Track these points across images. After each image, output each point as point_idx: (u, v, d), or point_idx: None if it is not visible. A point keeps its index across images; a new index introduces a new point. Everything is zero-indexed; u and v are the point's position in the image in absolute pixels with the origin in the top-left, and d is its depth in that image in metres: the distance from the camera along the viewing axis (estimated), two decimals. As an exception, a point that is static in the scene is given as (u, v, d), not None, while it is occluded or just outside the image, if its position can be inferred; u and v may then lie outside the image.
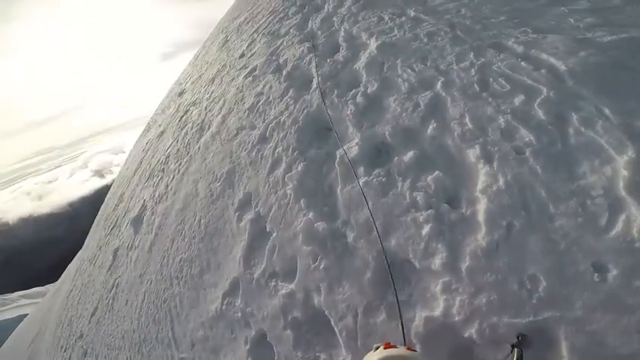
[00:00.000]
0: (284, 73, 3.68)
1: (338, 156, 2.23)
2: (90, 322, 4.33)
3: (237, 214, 2.63)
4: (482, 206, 1.59)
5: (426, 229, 1.66)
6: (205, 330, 2.49)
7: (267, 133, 2.97)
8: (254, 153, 2.92)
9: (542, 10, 2.63)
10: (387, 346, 0.84)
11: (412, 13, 3.31)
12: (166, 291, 2.99)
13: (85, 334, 4.33)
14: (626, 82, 1.64)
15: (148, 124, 8.65)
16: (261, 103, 3.49)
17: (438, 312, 1.49)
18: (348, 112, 2.41)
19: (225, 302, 2.41)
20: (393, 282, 1.51)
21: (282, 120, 2.94)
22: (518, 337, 1.24)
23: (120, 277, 3.99)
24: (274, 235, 2.26)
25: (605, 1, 2.43)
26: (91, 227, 7.38)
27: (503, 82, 1.95)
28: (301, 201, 2.18)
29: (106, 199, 7.18)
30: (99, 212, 7.21)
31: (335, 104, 2.61)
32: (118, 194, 6.13)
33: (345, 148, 2.23)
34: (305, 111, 2.81)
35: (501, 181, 1.59)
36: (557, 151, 1.55)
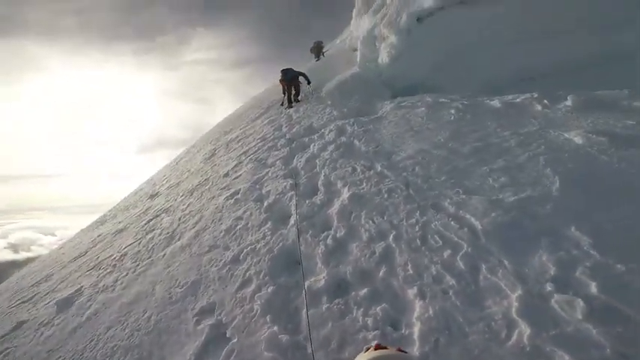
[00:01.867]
0: (265, 204, 4.38)
1: (307, 285, 2.73)
2: None
3: (195, 318, 2.87)
4: (417, 328, 2.12)
5: (373, 343, 2.00)
6: None
7: (241, 256, 3.48)
8: (224, 271, 3.35)
9: (472, 169, 3.64)
10: (378, 347, 0.90)
11: (379, 168, 4.30)
12: None
13: None
14: (519, 239, 2.52)
15: (104, 216, 8.59)
16: (239, 227, 4.08)
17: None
18: (319, 251, 3.14)
19: None
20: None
21: (257, 247, 3.53)
22: None
23: (16, 347, 3.63)
24: (234, 340, 2.48)
25: (514, 158, 3.58)
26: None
27: (438, 238, 2.82)
28: (267, 316, 2.57)
29: (21, 272, 6.23)
30: (3, 284, 6.09)
31: (309, 242, 3.35)
32: (43, 273, 5.67)
33: (312, 280, 2.77)
34: (281, 244, 3.46)
35: (431, 311, 2.19)
36: (471, 291, 2.27)
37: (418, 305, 2.27)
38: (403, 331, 2.10)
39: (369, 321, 2.24)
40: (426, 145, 4.56)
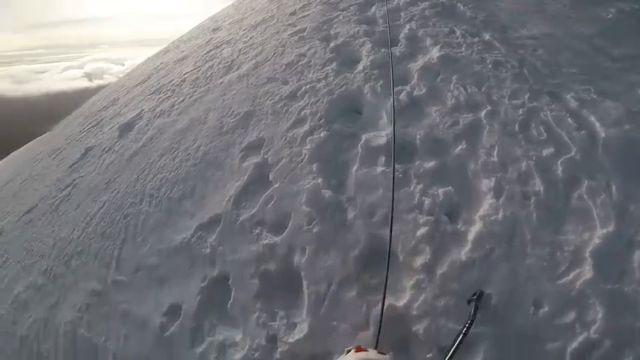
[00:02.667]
0: (332, 45, 3.92)
1: (363, 139, 2.48)
2: (20, 220, 4.23)
3: (242, 153, 2.96)
4: (475, 228, 2.02)
5: (421, 231, 2.03)
6: (160, 258, 2.63)
7: (299, 93, 3.27)
8: (279, 105, 3.22)
9: (617, 73, 3.00)
10: (358, 349, 0.93)
11: (487, 37, 3.59)
12: (132, 206, 3.13)
13: (6, 233, 4.22)
14: None
15: (167, 47, 8.81)
16: (301, 63, 3.77)
17: (401, 303, 1.90)
18: (387, 105, 2.71)
19: (196, 235, 2.62)
20: (386, 283, 1.78)
21: (317, 87, 3.26)
22: (474, 294, 1.66)
23: (82, 177, 4.08)
24: (276, 185, 2.60)
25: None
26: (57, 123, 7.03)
27: (543, 130, 2.37)
28: (314, 165, 2.52)
29: (92, 99, 6.93)
30: (78, 109, 6.90)
31: (377, 92, 2.97)
32: (110, 98, 6.34)
33: (371, 134, 2.49)
34: (344, 87, 3.15)
35: (500, 215, 2.02)
36: (556, 208, 2.03)
37: (488, 202, 2.12)
38: (459, 226, 2.06)
39: (426, 202, 2.17)
40: (560, 31, 3.67)
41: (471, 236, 1.98)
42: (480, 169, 2.24)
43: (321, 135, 2.66)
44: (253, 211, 2.45)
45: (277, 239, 2.27)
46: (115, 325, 2.39)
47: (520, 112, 2.49)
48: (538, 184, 2.09)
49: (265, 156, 2.74)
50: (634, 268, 1.74)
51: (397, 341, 1.78)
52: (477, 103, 2.63)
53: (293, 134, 2.78)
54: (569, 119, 2.39)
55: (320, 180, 2.39)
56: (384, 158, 2.42)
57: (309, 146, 2.62)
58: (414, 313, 1.80)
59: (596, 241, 1.83)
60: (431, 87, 2.89)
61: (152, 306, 2.32)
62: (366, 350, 0.95)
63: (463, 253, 1.93)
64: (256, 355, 1.97)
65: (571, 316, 1.66)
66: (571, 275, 1.77)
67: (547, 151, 2.23)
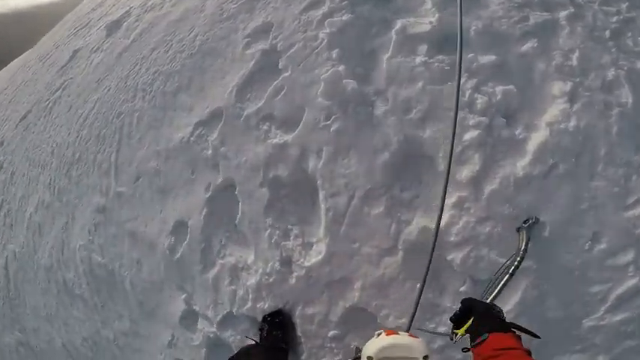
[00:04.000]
0: None
1: (399, 24, 1.92)
2: (17, 127, 3.98)
3: (246, 40, 2.30)
4: (539, 136, 1.63)
5: (470, 134, 1.60)
6: (159, 162, 2.32)
7: None
8: None
9: None
10: (389, 332, 0.88)
11: None
12: (125, 103, 2.72)
13: (7, 141, 4.02)
14: None
15: None
16: None
17: (434, 225, 1.51)
18: None
19: (196, 133, 2.24)
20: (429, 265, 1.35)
21: None
22: (526, 221, 1.41)
23: (72, 79, 3.64)
24: (287, 74, 2.04)
25: None
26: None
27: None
28: (335, 51, 1.97)
29: (82, 2, 6.18)
30: (68, 15, 6.21)
31: None
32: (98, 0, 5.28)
33: (410, 20, 1.92)
34: None
35: (572, 123, 1.58)
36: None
37: (559, 107, 1.63)
38: (518, 133, 1.61)
39: (479, 100, 1.66)
40: None
41: (531, 145, 1.56)
42: (553, 70, 1.70)
43: (344, 18, 2.02)
44: (260, 104, 1.99)
45: (288, 138, 1.86)
46: (126, 249, 2.27)
47: (613, 19, 1.86)
48: (626, 95, 1.61)
49: (274, 41, 2.14)
50: None
51: (423, 268, 1.44)
52: (556, 3, 1.95)
53: (308, 17, 2.12)
54: None
55: (341, 68, 1.85)
56: (425, 47, 1.82)
57: (328, 30, 2.00)
58: (452, 239, 1.50)
59: None
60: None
61: (158, 225, 2.14)
62: (397, 333, 0.88)
63: (520, 166, 1.54)
64: (271, 280, 1.77)
65: (629, 256, 1.39)
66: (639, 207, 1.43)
67: None
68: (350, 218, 1.67)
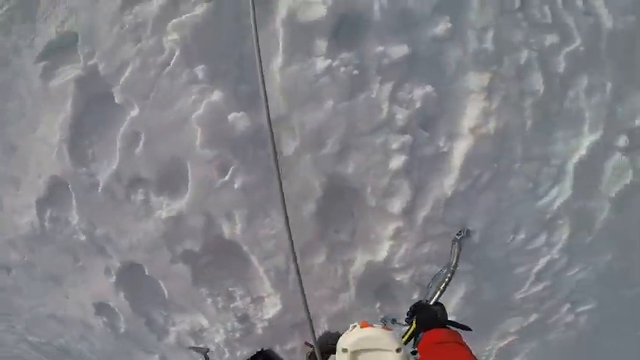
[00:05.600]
0: None
1: (285, 11, 1.32)
2: None
3: (41, 65, 1.43)
4: (464, 147, 1.46)
5: (395, 162, 1.39)
6: (23, 252, 1.80)
7: None
8: None
9: None
10: (364, 325, 0.87)
11: None
12: None
13: None
14: (634, 64, 1.54)
15: None
16: None
17: (380, 258, 1.50)
18: None
19: (46, 216, 1.63)
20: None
21: None
22: (460, 232, 1.45)
23: None
24: (135, 113, 1.37)
25: None
26: None
27: (548, 12, 1.51)
28: (199, 67, 1.31)
29: None
30: None
31: None
32: None
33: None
34: None
35: (492, 124, 1.44)
36: (551, 110, 1.47)
37: (480, 107, 1.41)
38: (442, 145, 1.41)
39: (399, 115, 1.35)
40: None
41: (456, 159, 1.42)
42: (470, 59, 1.40)
43: (197, 11, 1.28)
44: (114, 166, 1.40)
45: (179, 206, 1.41)
46: (59, 330, 2.09)
47: None
48: (537, 81, 1.44)
49: (90, 61, 1.37)
50: (603, 180, 1.53)
51: (379, 290, 1.61)
52: None
53: (135, 17, 1.33)
54: (578, 2, 1.47)
55: (218, 96, 1.30)
56: (325, 42, 1.31)
57: (176, 35, 1.29)
58: (396, 265, 1.50)
59: (582, 152, 1.48)
60: None
61: (76, 308, 1.90)
62: (371, 326, 0.89)
63: (447, 185, 1.43)
64: (237, 335, 1.70)
65: (541, 239, 1.54)
66: (551, 194, 1.51)
67: (550, 40, 1.45)
68: (294, 274, 1.43)
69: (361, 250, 1.52)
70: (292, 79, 1.35)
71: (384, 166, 1.39)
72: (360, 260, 1.52)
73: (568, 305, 1.73)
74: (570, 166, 1.49)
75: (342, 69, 1.34)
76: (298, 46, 1.35)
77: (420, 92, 1.39)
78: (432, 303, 1.18)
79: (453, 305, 1.61)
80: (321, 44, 1.34)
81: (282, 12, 1.32)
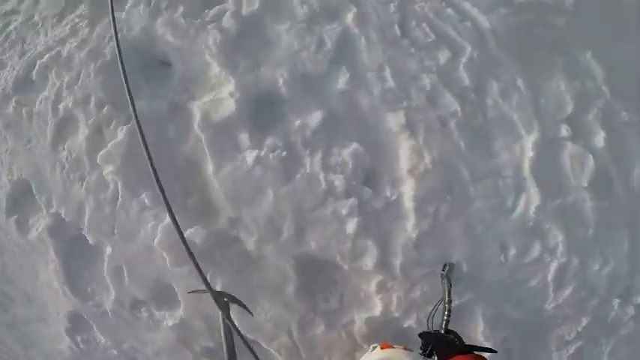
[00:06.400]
0: None
1: (199, 112, 1.39)
2: None
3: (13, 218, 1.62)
4: (408, 190, 1.46)
5: (351, 225, 1.43)
6: None
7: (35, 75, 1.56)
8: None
9: None
10: (384, 345, 0.85)
11: None
12: None
13: None
14: (533, 52, 1.54)
15: None
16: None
17: (377, 312, 1.50)
18: (210, 41, 1.41)
19: (79, 339, 1.79)
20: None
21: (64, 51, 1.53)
22: (445, 266, 1.40)
23: None
24: (109, 251, 1.54)
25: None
26: None
27: (427, 29, 1.47)
28: (142, 195, 1.46)
29: None
30: None
31: (179, 26, 1.48)
32: None
33: (204, 101, 1.38)
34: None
35: (427, 159, 1.43)
36: (478, 124, 1.46)
37: (407, 146, 1.43)
38: (389, 195, 1.43)
39: (337, 182, 1.41)
40: None
41: (407, 202, 1.42)
42: (379, 102, 1.44)
43: (123, 133, 1.43)
44: (112, 296, 1.56)
45: (180, 314, 1.54)
46: None
47: (391, 8, 1.50)
48: (451, 102, 1.45)
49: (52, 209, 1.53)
50: (568, 173, 1.46)
51: (393, 337, 1.47)
52: (337, 5, 1.52)
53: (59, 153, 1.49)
54: (448, 10, 1.50)
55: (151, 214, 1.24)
56: (246, 134, 1.41)
57: (111, 167, 1.43)
58: (396, 315, 1.49)
59: (530, 153, 1.44)
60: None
61: None
62: (392, 347, 0.90)
63: (410, 229, 1.42)
64: None
65: (537, 248, 1.44)
66: (521, 204, 1.45)
67: (443, 57, 1.46)
68: (301, 345, 1.57)
69: (356, 310, 1.52)
70: (229, 181, 1.44)
71: (342, 233, 1.42)
72: (358, 319, 1.51)
73: (618, 301, 1.51)
74: (526, 172, 1.44)
75: (271, 155, 1.42)
76: (223, 147, 1.43)
77: (347, 152, 1.44)
78: (443, 332, 1.16)
79: (479, 335, 1.49)
80: (244, 137, 1.42)
81: (197, 116, 1.39)
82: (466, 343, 1.03)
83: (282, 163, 1.42)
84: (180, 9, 1.47)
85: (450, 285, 1.34)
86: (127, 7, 1.51)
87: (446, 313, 1.23)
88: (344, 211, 1.43)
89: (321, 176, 1.43)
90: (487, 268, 1.47)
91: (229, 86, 1.42)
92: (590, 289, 1.48)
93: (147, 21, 1.47)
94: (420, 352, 1.07)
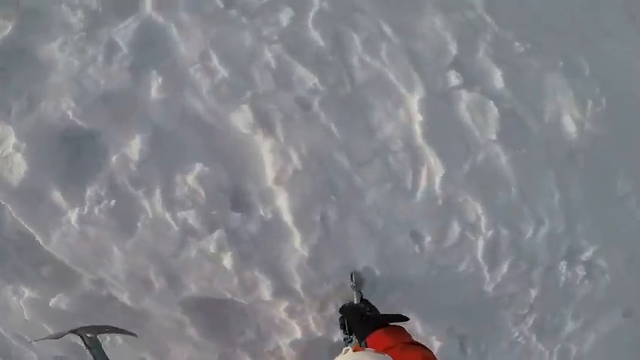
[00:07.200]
0: None
1: None
2: None
3: None
4: (283, 202, 1.15)
5: (227, 260, 1.16)
6: None
7: None
8: None
9: None
10: (356, 348, 0.82)
11: None
12: None
13: None
14: None
15: None
16: None
17: (298, 334, 1.33)
18: None
19: None
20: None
21: None
22: (351, 276, 1.22)
23: None
24: None
25: None
26: None
27: None
28: None
29: None
30: None
31: None
32: None
33: None
34: None
35: (295, 159, 1.10)
36: (346, 95, 1.12)
37: (266, 149, 1.12)
38: (262, 214, 1.14)
39: (190, 219, 1.12)
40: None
41: (287, 217, 1.15)
42: (214, 102, 1.11)
43: None
44: None
45: None
46: None
47: None
48: (307, 76, 1.12)
49: None
50: (470, 128, 1.13)
51: (332, 350, 1.32)
52: None
53: None
54: None
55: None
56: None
57: None
58: (320, 334, 1.32)
59: (419, 117, 1.10)
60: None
61: None
62: (363, 350, 0.85)
63: (299, 247, 1.17)
64: None
65: (455, 228, 1.19)
66: (422, 181, 1.16)
67: (285, 16, 1.12)
68: None
69: (277, 336, 1.36)
70: (66, 250, 1.18)
71: (221, 270, 1.17)
72: (283, 344, 1.36)
73: (564, 263, 1.33)
74: (419, 139, 1.12)
75: (97, 209, 1.13)
76: (39, 214, 1.16)
77: (192, 177, 1.13)
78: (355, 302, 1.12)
79: (419, 330, 1.32)
80: (57, 195, 1.13)
81: None
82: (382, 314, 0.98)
83: (114, 216, 1.10)
84: None
85: (361, 295, 1.16)
86: None
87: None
88: (212, 249, 1.15)
89: (168, 217, 1.12)
90: (403, 264, 1.23)
91: (11, 139, 1.06)
92: (530, 258, 1.24)
93: None
94: (342, 331, 1.05)
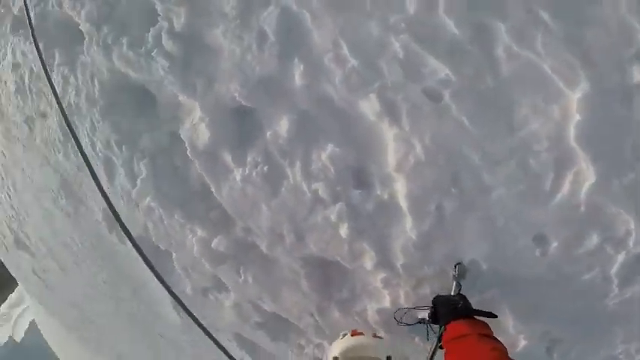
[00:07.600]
0: None
1: (186, 141, 1.48)
2: None
3: None
4: (401, 188, 1.21)
5: (343, 230, 1.34)
6: None
7: None
8: None
9: None
10: (354, 333, 0.86)
11: None
12: None
13: None
14: None
15: None
16: None
17: (387, 303, 1.45)
18: (160, 70, 1.43)
19: None
20: None
21: None
22: (455, 266, 1.23)
23: None
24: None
25: None
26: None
27: None
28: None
29: None
30: None
31: (130, 59, 1.49)
32: None
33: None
34: None
35: (418, 148, 1.13)
36: (486, 88, 1.02)
37: (390, 136, 1.17)
38: (379, 193, 1.24)
39: (320, 189, 1.30)
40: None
41: (402, 202, 1.21)
42: (345, 90, 1.19)
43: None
44: None
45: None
46: None
47: None
48: (438, 66, 1.07)
49: None
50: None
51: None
52: None
53: None
54: None
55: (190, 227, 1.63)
56: (229, 153, 1.43)
57: None
58: (407, 305, 1.35)
59: (577, 117, 0.96)
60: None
61: None
62: (362, 334, 0.93)
63: (409, 229, 1.22)
64: None
65: (593, 238, 1.05)
66: (565, 186, 1.03)
67: (413, 4, 0.96)
68: (324, 325, 1.66)
69: (367, 300, 1.50)
70: (230, 199, 1.50)
71: (337, 238, 1.34)
72: (370, 308, 1.50)
73: None
74: (571, 141, 0.98)
75: (254, 172, 1.40)
76: (215, 170, 1.49)
77: (325, 155, 1.27)
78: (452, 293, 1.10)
79: (510, 329, 1.29)
80: (228, 158, 1.43)
81: (186, 144, 1.49)
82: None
83: (266, 179, 1.37)
84: (125, 40, 1.43)
85: (460, 287, 1.17)
86: (84, 50, 1.57)
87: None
88: (333, 218, 1.33)
89: (304, 186, 1.34)
90: (516, 265, 1.17)
91: (197, 112, 1.41)
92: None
93: (106, 60, 1.51)
94: (429, 316, 1.07)
